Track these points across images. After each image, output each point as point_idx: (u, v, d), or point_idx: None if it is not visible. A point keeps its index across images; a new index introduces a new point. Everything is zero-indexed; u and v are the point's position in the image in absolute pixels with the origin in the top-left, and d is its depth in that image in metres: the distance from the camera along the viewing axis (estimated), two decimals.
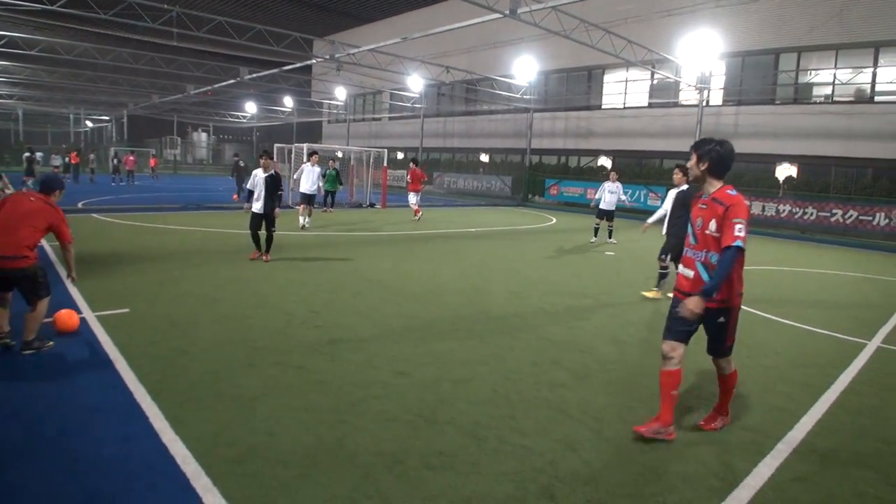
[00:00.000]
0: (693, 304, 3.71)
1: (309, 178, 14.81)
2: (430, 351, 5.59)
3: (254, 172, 10.00)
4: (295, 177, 16.47)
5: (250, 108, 50.77)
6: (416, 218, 17.66)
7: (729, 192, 3.86)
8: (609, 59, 24.36)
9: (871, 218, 20.12)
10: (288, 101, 47.53)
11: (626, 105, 29.66)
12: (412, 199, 18.08)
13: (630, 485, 3.39)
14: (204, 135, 67.71)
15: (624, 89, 29.72)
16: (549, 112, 32.91)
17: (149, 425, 3.78)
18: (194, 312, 6.50)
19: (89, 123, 63.96)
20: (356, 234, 14.52)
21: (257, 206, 9.77)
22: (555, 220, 21.86)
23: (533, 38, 28.40)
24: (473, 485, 3.28)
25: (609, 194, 14.57)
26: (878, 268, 13.98)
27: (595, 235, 15.04)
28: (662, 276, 8.79)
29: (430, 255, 11.75)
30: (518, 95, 32.21)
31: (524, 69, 27.22)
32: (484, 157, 37.65)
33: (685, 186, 8.42)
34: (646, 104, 28.89)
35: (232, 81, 32.30)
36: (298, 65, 28.41)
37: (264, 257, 9.90)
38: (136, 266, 8.90)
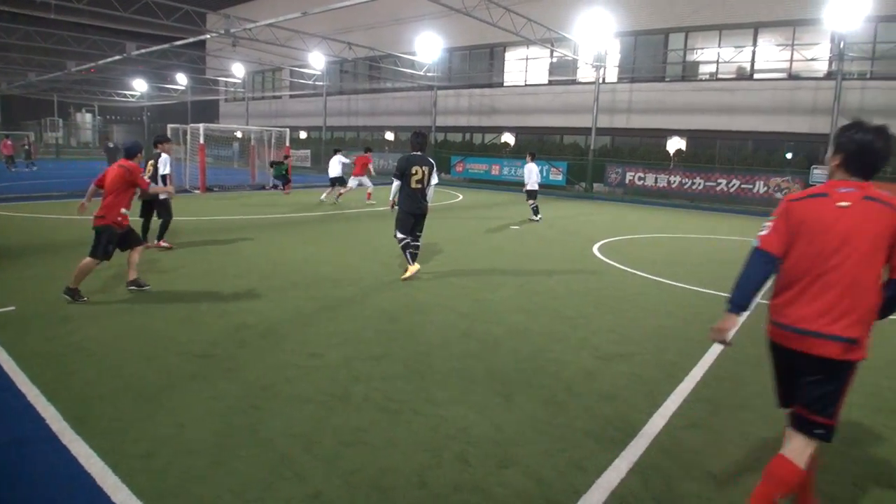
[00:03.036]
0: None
1: None
2: (341, 331, 5.59)
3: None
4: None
5: (139, 86, 47.68)
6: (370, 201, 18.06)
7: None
8: (510, 38, 24.76)
9: (751, 186, 21.77)
10: (181, 79, 45.03)
11: (528, 83, 30.32)
12: (353, 182, 18.21)
13: (537, 443, 3.57)
14: (88, 116, 62.92)
15: (525, 67, 30.33)
16: (453, 90, 33.10)
17: (46, 427, 3.56)
18: (88, 306, 6.13)
19: None
20: (261, 217, 14.12)
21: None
22: (461, 197, 22.15)
23: (435, 14, 28.34)
24: (390, 457, 3.35)
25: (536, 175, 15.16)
26: (759, 231, 15.20)
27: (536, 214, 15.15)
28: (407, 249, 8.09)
29: (337, 236, 11.64)
30: (422, 73, 32.13)
31: (427, 46, 27.14)
32: (389, 136, 37.40)
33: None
34: (546, 82, 29.65)
35: (118, 58, 30.21)
36: (191, 40, 26.93)
37: (163, 243, 9.23)
38: (21, 260, 8.25)
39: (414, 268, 7.98)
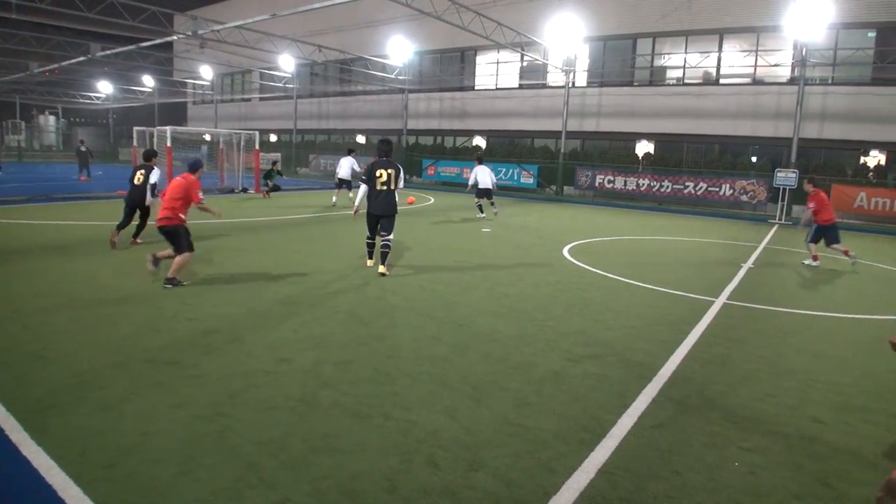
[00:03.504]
0: None
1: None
2: (310, 336, 5.54)
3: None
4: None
5: (105, 87, 46.71)
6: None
7: None
8: (481, 41, 24.87)
9: (718, 189, 22.18)
10: (148, 81, 44.20)
11: (498, 86, 30.48)
12: None
13: (507, 445, 3.58)
14: (52, 118, 61.23)
15: (496, 71, 30.49)
16: (424, 93, 33.11)
17: (5, 438, 3.46)
18: (49, 312, 5.98)
19: None
20: (229, 222, 13.93)
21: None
22: (433, 200, 22.16)
23: (406, 18, 28.33)
24: (359, 463, 3.32)
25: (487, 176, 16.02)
26: (725, 233, 15.53)
27: (482, 212, 16.28)
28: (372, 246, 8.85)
29: (307, 240, 11.55)
30: (393, 76, 32.08)
31: (398, 49, 27.13)
32: (360, 139, 37.24)
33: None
34: (516, 85, 29.85)
35: (82, 59, 29.56)
36: (157, 41, 26.47)
37: (139, 240, 10.15)
38: None
39: (370, 262, 8.82)
